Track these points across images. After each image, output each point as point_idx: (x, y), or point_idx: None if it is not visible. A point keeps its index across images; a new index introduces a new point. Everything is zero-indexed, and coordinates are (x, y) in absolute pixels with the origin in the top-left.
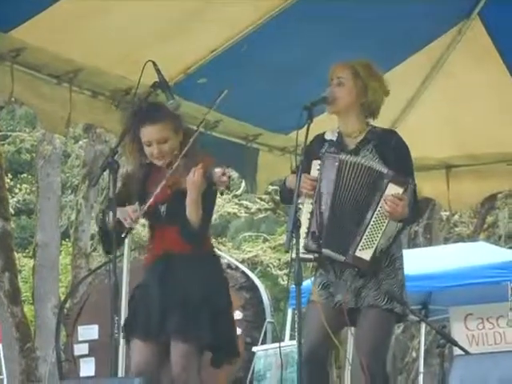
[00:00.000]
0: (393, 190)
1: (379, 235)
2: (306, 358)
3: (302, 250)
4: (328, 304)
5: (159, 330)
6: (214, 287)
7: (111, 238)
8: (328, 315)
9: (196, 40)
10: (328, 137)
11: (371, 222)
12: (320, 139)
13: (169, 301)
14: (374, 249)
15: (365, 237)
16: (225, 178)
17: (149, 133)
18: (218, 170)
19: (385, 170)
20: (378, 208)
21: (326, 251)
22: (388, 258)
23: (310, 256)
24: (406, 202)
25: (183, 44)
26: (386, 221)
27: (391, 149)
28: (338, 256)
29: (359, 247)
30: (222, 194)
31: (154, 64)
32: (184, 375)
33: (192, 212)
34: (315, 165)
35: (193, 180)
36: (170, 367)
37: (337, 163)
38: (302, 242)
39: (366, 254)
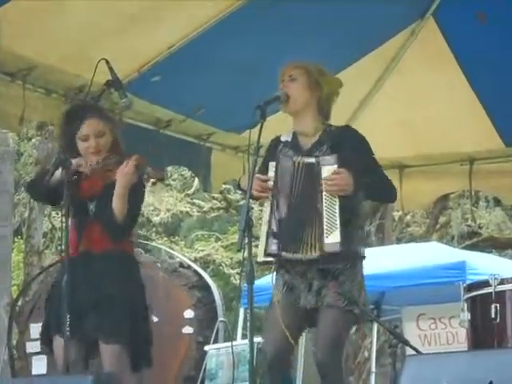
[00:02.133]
0: (327, 171)
1: (336, 215)
2: (270, 364)
3: (262, 254)
4: (292, 306)
5: (81, 330)
6: (134, 287)
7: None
8: (293, 317)
9: (151, 38)
10: (283, 138)
11: (324, 209)
12: (276, 142)
13: (89, 301)
14: (338, 229)
15: (325, 224)
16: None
17: (89, 126)
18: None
19: (312, 160)
20: (324, 193)
21: (285, 254)
22: (350, 260)
23: (271, 259)
24: (346, 173)
25: (138, 42)
26: (336, 200)
27: (348, 146)
28: (309, 255)
29: (325, 235)
30: (162, 180)
31: (107, 62)
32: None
33: (118, 205)
34: (271, 166)
35: (124, 171)
36: (94, 367)
37: (291, 165)
38: (261, 245)
39: (333, 238)
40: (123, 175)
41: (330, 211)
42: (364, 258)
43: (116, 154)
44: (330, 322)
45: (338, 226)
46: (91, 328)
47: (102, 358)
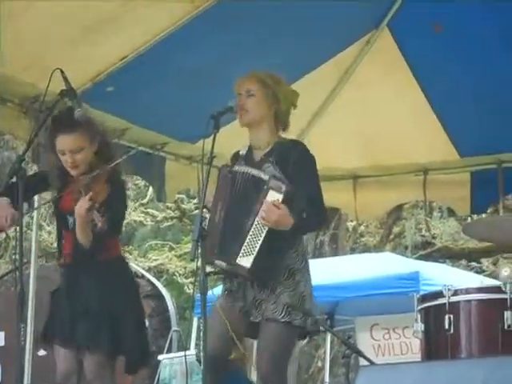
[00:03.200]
0: (272, 196)
1: (259, 242)
2: (207, 365)
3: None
4: (232, 309)
5: (71, 338)
6: (122, 293)
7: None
8: (231, 321)
9: (106, 47)
10: (241, 152)
11: (251, 229)
12: (236, 156)
13: (76, 309)
14: (253, 256)
15: (245, 244)
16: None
17: (62, 142)
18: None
19: (265, 177)
20: (259, 215)
21: (218, 262)
22: (287, 271)
23: (215, 269)
24: (286, 210)
25: (92, 52)
26: (266, 229)
27: (292, 161)
28: (223, 264)
29: (240, 254)
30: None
31: (62, 72)
32: (97, 383)
33: (79, 235)
34: None
35: (77, 212)
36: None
37: (230, 175)
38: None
39: (245, 261)
40: (77, 216)
41: (255, 235)
42: (302, 268)
43: (103, 164)
44: (270, 336)
45: (255, 253)
46: (76, 337)
47: (85, 365)
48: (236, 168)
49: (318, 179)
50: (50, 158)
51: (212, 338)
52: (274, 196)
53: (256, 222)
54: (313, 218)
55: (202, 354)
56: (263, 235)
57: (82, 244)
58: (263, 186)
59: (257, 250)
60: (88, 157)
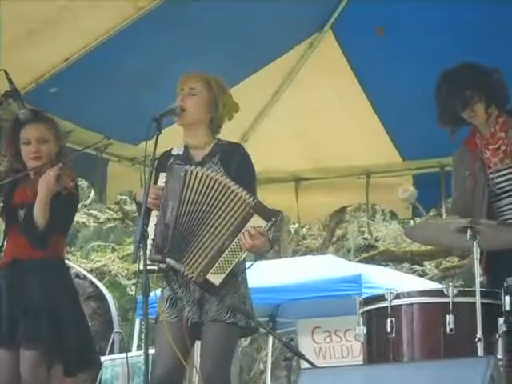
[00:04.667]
0: (256, 222)
1: (233, 263)
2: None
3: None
4: (178, 322)
5: (9, 338)
6: (61, 295)
7: None
8: (179, 334)
9: (50, 48)
10: (175, 152)
11: (228, 249)
12: (167, 155)
13: (16, 309)
14: (225, 275)
15: (219, 261)
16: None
17: (29, 131)
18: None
19: (251, 200)
20: (237, 237)
21: (170, 261)
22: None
23: (154, 267)
24: (268, 237)
25: (36, 53)
26: (242, 252)
27: (235, 163)
28: (183, 267)
29: (211, 271)
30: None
31: (6, 73)
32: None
33: (37, 211)
34: (161, 177)
35: (45, 179)
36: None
37: (182, 174)
38: (147, 253)
39: (216, 279)
40: (43, 182)
41: (231, 256)
42: (244, 270)
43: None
44: (215, 336)
45: (227, 272)
46: (15, 336)
47: (21, 366)
48: (191, 168)
49: (255, 186)
50: (7, 158)
51: (165, 359)
52: (258, 222)
53: (235, 243)
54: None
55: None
56: (239, 257)
57: (35, 226)
58: (246, 207)
59: (229, 270)
60: (51, 152)
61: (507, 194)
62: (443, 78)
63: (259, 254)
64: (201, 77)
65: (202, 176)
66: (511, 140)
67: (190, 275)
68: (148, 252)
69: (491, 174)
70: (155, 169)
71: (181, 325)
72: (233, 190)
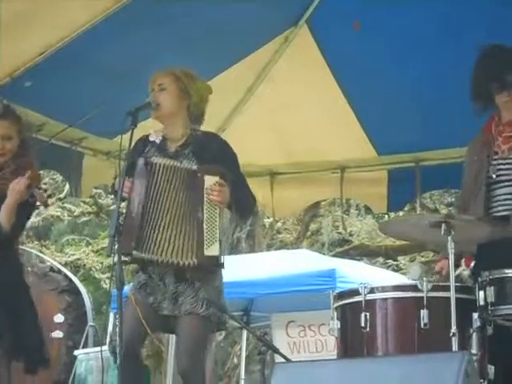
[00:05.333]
0: (210, 180)
1: (217, 228)
2: (123, 354)
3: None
4: (144, 301)
5: None
6: (20, 293)
7: None
8: (143, 312)
9: (25, 42)
10: (152, 138)
11: (205, 219)
12: (143, 140)
13: None
14: (218, 242)
15: (206, 235)
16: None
17: None
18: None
19: (195, 167)
20: (205, 203)
21: (136, 254)
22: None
23: (126, 258)
24: (226, 187)
25: (12, 46)
26: (217, 211)
27: (210, 153)
28: (158, 257)
29: (205, 246)
30: (45, 206)
31: None
32: None
33: (5, 216)
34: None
35: (16, 188)
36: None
37: (148, 166)
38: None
39: (213, 251)
40: (14, 192)
41: (211, 222)
42: (222, 265)
43: (22, 157)
44: (190, 329)
45: (218, 238)
46: None
47: None
48: (154, 160)
49: (239, 166)
50: None
51: (125, 331)
52: (212, 179)
53: (206, 210)
54: (246, 200)
55: (118, 348)
56: (218, 218)
57: (1, 228)
58: (197, 175)
59: (218, 235)
60: (14, 148)
61: (505, 184)
62: (481, 58)
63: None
64: (167, 72)
65: (166, 167)
66: None
67: (182, 263)
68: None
69: (495, 160)
70: (131, 153)
71: (147, 304)
72: (186, 169)
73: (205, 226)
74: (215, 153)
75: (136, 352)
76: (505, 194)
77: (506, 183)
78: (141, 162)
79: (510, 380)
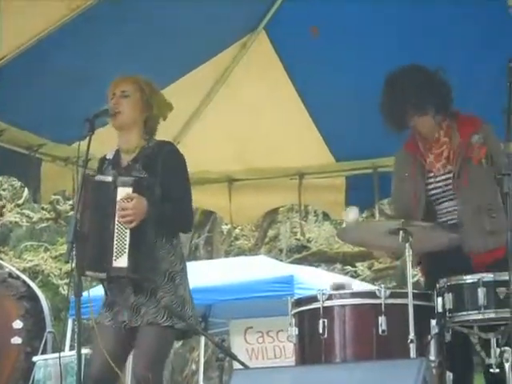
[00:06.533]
0: (123, 192)
1: (126, 242)
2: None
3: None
4: (116, 326)
5: None
6: None
7: None
8: (114, 339)
9: None
10: (108, 156)
11: (115, 231)
12: (103, 159)
13: None
14: (126, 254)
15: (115, 246)
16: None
17: None
18: None
19: (108, 179)
20: (116, 215)
21: (88, 273)
22: (167, 275)
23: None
24: (139, 199)
25: None
26: (127, 227)
27: (160, 160)
28: (100, 275)
29: (114, 257)
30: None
31: None
32: None
33: None
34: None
35: None
36: None
37: (86, 182)
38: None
39: (121, 262)
40: None
41: (121, 235)
42: (182, 271)
43: None
44: (149, 339)
45: (127, 251)
46: None
47: None
48: (86, 174)
49: (185, 179)
50: None
51: (99, 360)
52: (123, 192)
53: (117, 224)
54: (179, 217)
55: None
56: (127, 234)
57: None
58: (110, 187)
59: (127, 249)
60: None
61: (446, 198)
62: (390, 81)
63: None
64: (131, 79)
65: (94, 182)
66: (455, 146)
67: (104, 276)
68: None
69: (432, 178)
70: (82, 166)
71: (117, 329)
72: (103, 181)
73: (115, 240)
74: (162, 163)
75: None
76: (450, 206)
77: (450, 197)
78: (85, 178)
79: None
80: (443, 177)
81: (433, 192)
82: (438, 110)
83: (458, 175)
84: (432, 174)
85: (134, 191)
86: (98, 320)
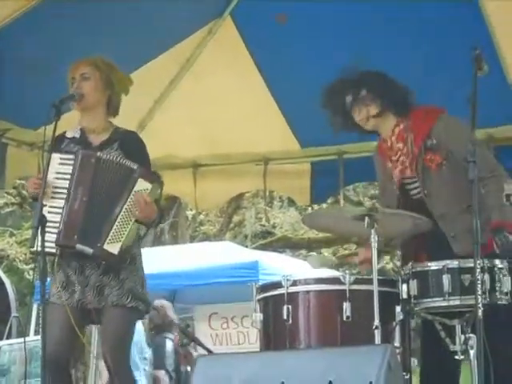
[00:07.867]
0: (142, 185)
1: (126, 230)
2: (48, 361)
3: (51, 244)
4: (72, 306)
5: None
6: None
7: None
8: (73, 315)
9: None
10: (69, 135)
11: (119, 217)
12: (61, 138)
13: None
14: (121, 243)
15: (113, 230)
16: None
17: None
18: None
19: (134, 166)
20: (127, 203)
21: (79, 246)
22: (129, 257)
23: (53, 250)
24: (154, 207)
25: None
26: (132, 219)
27: (133, 148)
28: (88, 249)
29: (107, 240)
30: None
31: None
32: None
33: None
34: (55, 158)
35: None
36: None
37: (93, 160)
38: (52, 236)
39: (113, 248)
40: None
41: (123, 222)
42: (139, 253)
43: None
44: (115, 321)
45: (123, 240)
46: None
47: None
48: (99, 154)
49: (150, 166)
50: None
51: (54, 336)
52: (144, 185)
53: (124, 210)
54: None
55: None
56: (131, 224)
57: None
58: (132, 175)
59: (124, 237)
60: None
61: (414, 192)
62: (329, 88)
63: (149, 223)
64: (88, 61)
65: (109, 161)
66: (409, 150)
67: (91, 252)
68: (55, 236)
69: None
70: (47, 151)
71: (72, 308)
72: (124, 165)
73: (116, 224)
74: (136, 151)
75: (63, 360)
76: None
77: (414, 192)
78: (85, 155)
79: (435, 372)
80: (409, 180)
81: (408, 187)
82: (383, 107)
83: (423, 187)
84: (393, 181)
85: (151, 189)
86: (53, 300)
